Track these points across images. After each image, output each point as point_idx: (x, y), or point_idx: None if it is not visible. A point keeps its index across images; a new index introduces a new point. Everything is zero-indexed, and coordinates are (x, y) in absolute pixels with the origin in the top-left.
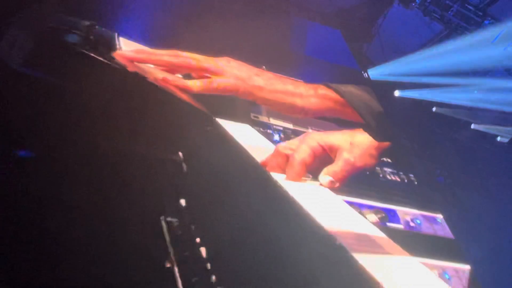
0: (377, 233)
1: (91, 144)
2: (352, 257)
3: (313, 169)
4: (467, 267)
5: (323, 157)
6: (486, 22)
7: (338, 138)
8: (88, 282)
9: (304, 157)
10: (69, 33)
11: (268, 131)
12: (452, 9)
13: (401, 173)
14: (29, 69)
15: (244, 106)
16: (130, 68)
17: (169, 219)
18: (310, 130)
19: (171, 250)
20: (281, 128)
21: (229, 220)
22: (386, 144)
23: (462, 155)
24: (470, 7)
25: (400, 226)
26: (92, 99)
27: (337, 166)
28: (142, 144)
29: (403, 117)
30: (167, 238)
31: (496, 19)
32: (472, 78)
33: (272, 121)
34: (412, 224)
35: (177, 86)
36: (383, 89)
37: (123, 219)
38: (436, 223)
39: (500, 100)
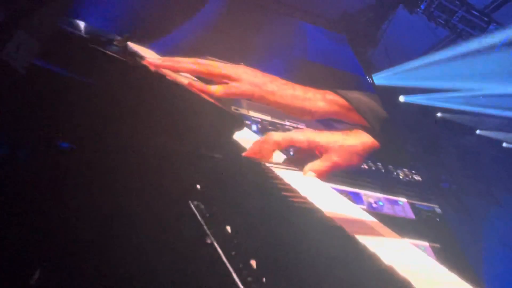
0: (368, 217)
1: (128, 139)
2: (353, 237)
3: (298, 159)
4: (424, 243)
5: (306, 151)
6: (491, 27)
7: (328, 138)
8: (147, 258)
9: (279, 140)
10: (111, 45)
11: (247, 122)
12: (457, 14)
13: (369, 161)
14: (78, 75)
15: (225, 100)
16: (168, 76)
17: (195, 203)
18: (287, 123)
19: (206, 228)
20: (259, 120)
21: (244, 204)
22: (376, 145)
23: (467, 161)
24: (475, 13)
25: (363, 207)
26: (130, 100)
27: (322, 165)
28: (174, 139)
29: (408, 122)
30: (200, 219)
31: (501, 25)
32: (477, 83)
33: (252, 113)
34: (374, 205)
35: (201, 91)
36: (387, 94)
37: (158, 204)
38: (398, 205)
39: (506, 106)
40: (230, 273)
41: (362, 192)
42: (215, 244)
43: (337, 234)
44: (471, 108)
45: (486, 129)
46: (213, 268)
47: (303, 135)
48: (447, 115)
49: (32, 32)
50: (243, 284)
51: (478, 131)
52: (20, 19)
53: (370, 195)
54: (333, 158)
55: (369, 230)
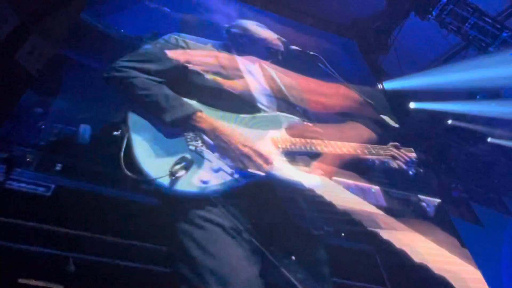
0: (377, 211)
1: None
2: (370, 230)
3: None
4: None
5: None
6: (503, 34)
7: (325, 133)
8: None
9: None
10: (145, 42)
11: None
12: (469, 21)
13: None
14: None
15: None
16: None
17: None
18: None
19: (239, 224)
20: None
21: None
22: (373, 137)
23: (478, 169)
24: (488, 20)
25: None
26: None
27: (327, 161)
28: None
29: (418, 129)
30: (231, 216)
31: None
32: (488, 91)
33: None
34: None
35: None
36: (398, 101)
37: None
38: (370, 193)
39: None
40: (278, 267)
41: (335, 178)
42: (253, 240)
43: (355, 228)
44: (483, 115)
45: (497, 137)
46: (258, 262)
47: (298, 131)
48: (458, 123)
49: (45, 36)
50: (296, 281)
51: (489, 139)
52: (34, 23)
53: (341, 181)
54: (335, 151)
55: (379, 224)
